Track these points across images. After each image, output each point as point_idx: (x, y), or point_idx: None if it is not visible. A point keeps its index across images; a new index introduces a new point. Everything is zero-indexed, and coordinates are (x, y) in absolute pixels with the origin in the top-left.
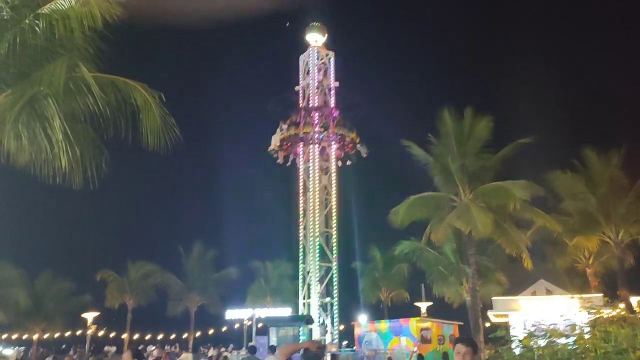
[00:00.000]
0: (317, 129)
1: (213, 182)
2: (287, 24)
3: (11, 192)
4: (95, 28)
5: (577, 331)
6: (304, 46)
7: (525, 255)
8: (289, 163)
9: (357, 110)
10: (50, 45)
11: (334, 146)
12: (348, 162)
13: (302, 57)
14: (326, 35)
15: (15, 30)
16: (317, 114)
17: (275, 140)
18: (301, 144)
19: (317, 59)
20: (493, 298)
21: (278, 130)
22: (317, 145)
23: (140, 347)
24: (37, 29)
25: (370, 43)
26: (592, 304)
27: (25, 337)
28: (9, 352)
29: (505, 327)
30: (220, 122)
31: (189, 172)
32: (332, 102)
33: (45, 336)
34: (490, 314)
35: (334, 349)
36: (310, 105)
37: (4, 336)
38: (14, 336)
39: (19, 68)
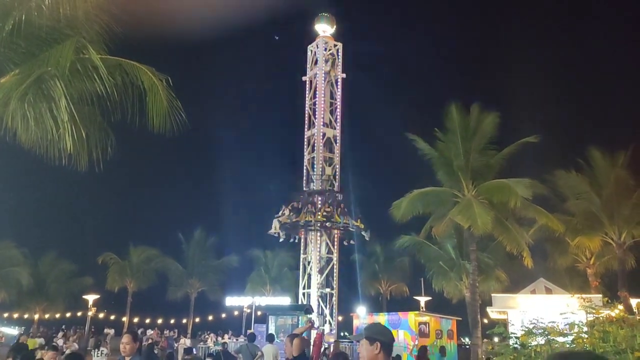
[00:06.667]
0: (319, 217)
1: (216, 170)
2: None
3: (17, 172)
4: (101, 8)
5: (576, 330)
6: (312, 37)
7: (526, 254)
8: (292, 240)
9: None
10: (57, 25)
11: (336, 232)
12: (345, 243)
13: (310, 47)
14: (335, 26)
15: (22, 8)
16: (320, 200)
17: (275, 225)
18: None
19: (325, 49)
20: (492, 295)
21: (280, 213)
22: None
23: (140, 331)
24: (43, 7)
25: (377, 38)
26: (591, 304)
27: (26, 316)
28: (10, 331)
29: (504, 324)
30: (224, 111)
31: (192, 159)
32: (339, 94)
33: (46, 316)
34: (489, 310)
35: (332, 339)
36: (312, 189)
37: (5, 315)
38: (15, 315)
39: (27, 48)
